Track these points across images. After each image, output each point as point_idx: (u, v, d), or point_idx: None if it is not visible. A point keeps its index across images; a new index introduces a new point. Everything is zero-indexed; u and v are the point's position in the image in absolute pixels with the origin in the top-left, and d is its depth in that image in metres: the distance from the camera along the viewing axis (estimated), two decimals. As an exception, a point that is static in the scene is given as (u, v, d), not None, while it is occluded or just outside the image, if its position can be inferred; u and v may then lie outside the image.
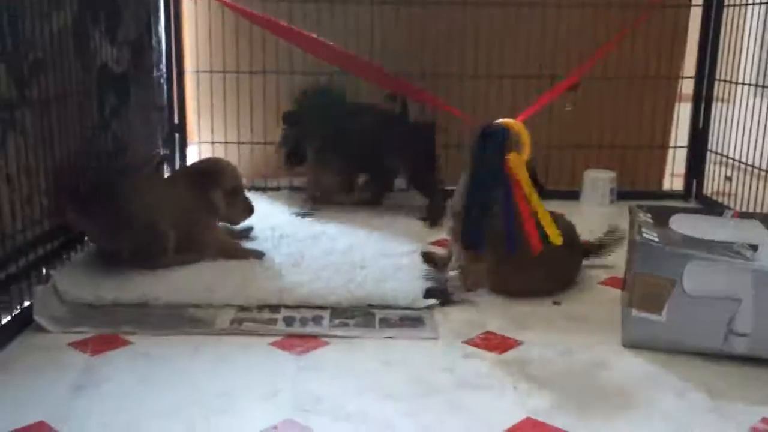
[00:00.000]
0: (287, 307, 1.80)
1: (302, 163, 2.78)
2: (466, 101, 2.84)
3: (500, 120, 1.68)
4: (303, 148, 2.75)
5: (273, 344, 1.62)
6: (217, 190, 2.13)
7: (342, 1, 2.91)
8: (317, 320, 1.74)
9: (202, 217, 2.13)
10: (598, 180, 2.94)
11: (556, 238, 1.69)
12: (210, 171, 2.15)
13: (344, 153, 2.69)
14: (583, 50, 2.85)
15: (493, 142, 1.67)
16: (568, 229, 1.94)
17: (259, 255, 2.12)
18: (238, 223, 2.25)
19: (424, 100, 1.82)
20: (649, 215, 1.82)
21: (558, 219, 1.87)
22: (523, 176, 1.68)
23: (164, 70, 3.00)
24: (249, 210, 2.22)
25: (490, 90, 2.93)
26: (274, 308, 1.80)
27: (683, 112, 3.06)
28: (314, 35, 1.78)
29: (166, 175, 2.30)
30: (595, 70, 2.93)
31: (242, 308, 1.80)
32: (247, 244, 2.22)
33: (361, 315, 1.78)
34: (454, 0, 2.94)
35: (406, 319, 1.76)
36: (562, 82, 2.44)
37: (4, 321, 1.62)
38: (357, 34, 2.90)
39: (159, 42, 2.92)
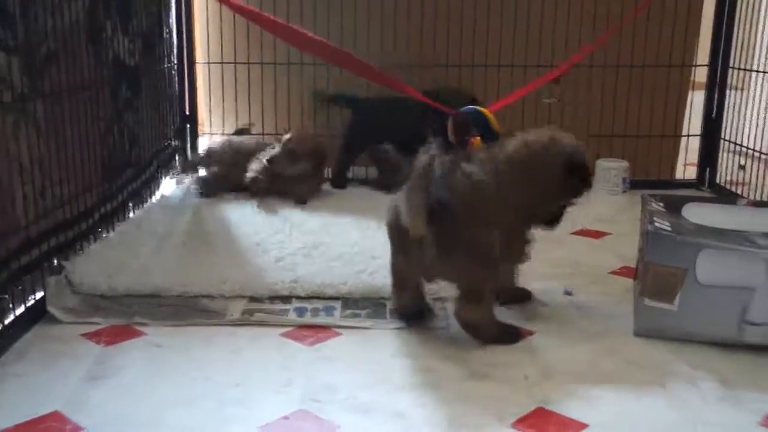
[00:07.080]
0: (299, 297, 1.81)
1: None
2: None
3: (470, 107, 1.90)
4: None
5: (284, 335, 1.63)
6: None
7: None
8: (329, 311, 1.74)
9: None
10: (610, 169, 2.93)
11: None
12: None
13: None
14: (578, 40, 2.84)
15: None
16: None
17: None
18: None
19: (399, 89, 2.24)
20: (661, 204, 1.81)
21: None
22: None
23: (175, 61, 3.01)
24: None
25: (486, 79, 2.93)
26: (286, 299, 1.81)
27: (697, 100, 3.04)
28: (308, 33, 1.96)
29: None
30: (608, 59, 2.91)
31: (253, 299, 1.80)
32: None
33: (373, 306, 1.78)
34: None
35: (418, 310, 1.76)
36: (543, 75, 2.48)
37: (18, 312, 1.63)
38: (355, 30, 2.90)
39: (170, 33, 2.93)
